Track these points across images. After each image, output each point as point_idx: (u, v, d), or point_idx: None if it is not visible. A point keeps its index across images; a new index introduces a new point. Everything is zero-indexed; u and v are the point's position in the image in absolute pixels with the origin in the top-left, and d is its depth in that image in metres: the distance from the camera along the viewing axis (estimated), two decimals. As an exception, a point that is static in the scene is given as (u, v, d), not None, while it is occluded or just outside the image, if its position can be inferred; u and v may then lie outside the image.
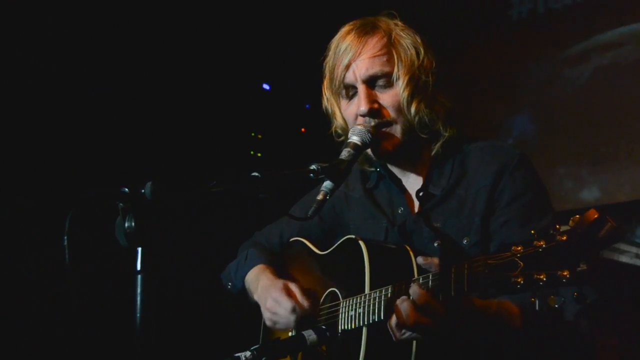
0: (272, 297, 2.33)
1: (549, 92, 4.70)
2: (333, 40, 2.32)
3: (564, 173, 4.52)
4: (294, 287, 2.32)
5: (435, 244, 2.20)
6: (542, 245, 1.57)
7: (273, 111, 5.05)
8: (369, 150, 2.28)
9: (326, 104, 2.40)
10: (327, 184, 2.03)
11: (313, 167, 1.99)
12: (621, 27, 4.36)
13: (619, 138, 4.36)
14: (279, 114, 5.07)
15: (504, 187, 2.19)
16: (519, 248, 1.61)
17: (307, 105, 5.20)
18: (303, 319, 2.27)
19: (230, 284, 2.65)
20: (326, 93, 2.38)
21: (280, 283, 2.36)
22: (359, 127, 2.19)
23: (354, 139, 2.16)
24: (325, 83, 2.38)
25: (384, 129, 2.24)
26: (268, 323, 2.39)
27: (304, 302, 2.27)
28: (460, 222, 2.21)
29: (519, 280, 1.59)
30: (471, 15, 4.97)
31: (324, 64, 2.35)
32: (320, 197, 2.02)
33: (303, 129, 5.26)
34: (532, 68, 4.74)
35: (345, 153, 2.13)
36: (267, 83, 5.15)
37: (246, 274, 2.55)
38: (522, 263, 1.59)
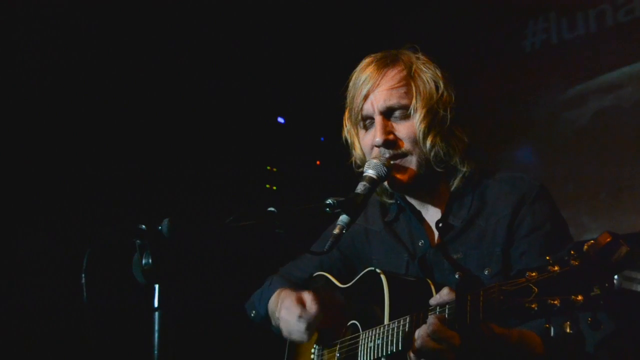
0: (285, 306, 2.35)
1: (553, 128, 4.70)
2: (354, 71, 2.38)
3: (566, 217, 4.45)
4: (306, 296, 2.32)
5: (456, 276, 2.22)
6: (556, 270, 1.58)
7: (288, 144, 5.10)
8: (385, 183, 2.31)
9: (346, 134, 2.45)
10: (344, 218, 2.06)
11: (329, 201, 2.02)
12: (624, 66, 4.37)
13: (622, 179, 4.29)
14: (294, 147, 5.12)
15: (523, 218, 2.21)
16: (534, 274, 1.62)
17: (322, 138, 5.25)
18: (311, 327, 2.27)
19: (254, 312, 2.66)
20: (346, 124, 2.43)
21: (295, 293, 2.36)
22: (375, 160, 2.23)
23: (370, 172, 2.20)
24: (346, 114, 2.43)
25: (399, 161, 2.27)
26: (284, 333, 2.39)
27: (312, 308, 2.26)
28: (481, 253, 2.23)
29: (534, 306, 1.60)
30: (486, 47, 5.01)
31: (346, 94, 2.40)
32: (336, 231, 2.05)
33: (318, 162, 5.29)
34: (540, 101, 4.76)
35: (361, 187, 2.16)
36: (281, 116, 5.21)
37: (270, 297, 2.57)
38: (536, 289, 1.61)
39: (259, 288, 2.69)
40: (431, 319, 1.87)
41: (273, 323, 2.54)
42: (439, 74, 2.30)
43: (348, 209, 2.05)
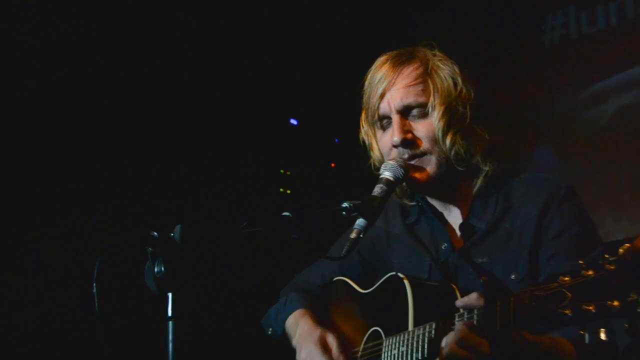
0: (307, 350, 2.31)
1: (573, 127, 4.62)
2: (369, 70, 2.34)
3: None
4: (331, 340, 2.30)
5: (481, 280, 2.17)
6: (590, 275, 1.53)
7: (301, 146, 5.08)
8: (404, 184, 2.27)
9: (363, 135, 2.41)
10: (360, 221, 2.02)
11: (345, 205, 1.98)
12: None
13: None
14: (307, 150, 5.09)
15: (551, 220, 2.17)
16: (567, 278, 1.57)
17: (336, 140, 5.22)
18: None
19: (270, 329, 2.62)
20: (363, 125, 2.40)
21: (317, 333, 2.33)
22: (391, 162, 2.19)
23: (386, 174, 2.17)
24: (363, 115, 2.39)
25: (417, 160, 2.23)
26: None
27: (340, 358, 2.25)
28: (507, 257, 2.18)
29: (567, 312, 1.55)
30: (503, 43, 4.95)
31: (362, 95, 2.37)
32: (353, 235, 2.01)
33: (333, 164, 5.27)
34: (559, 99, 4.69)
35: (377, 189, 2.12)
36: (294, 118, 5.19)
37: (286, 318, 2.53)
38: (570, 294, 1.56)
39: (275, 303, 2.65)
40: (459, 325, 1.82)
41: (291, 343, 2.50)
42: (457, 70, 2.26)
43: (365, 212, 2.01)
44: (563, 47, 4.72)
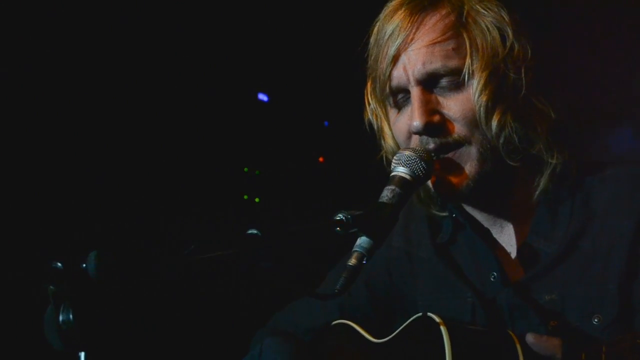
0: None
1: None
2: (376, 20, 2.33)
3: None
4: None
5: (550, 327, 2.18)
6: None
7: (275, 133, 5.07)
8: (430, 186, 2.27)
9: (370, 116, 2.42)
10: (363, 241, 2.02)
11: (340, 217, 1.97)
12: None
13: None
14: (283, 137, 5.09)
15: None
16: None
17: (325, 122, 5.23)
18: None
19: None
20: (369, 100, 2.40)
21: None
22: (407, 152, 2.18)
23: (400, 170, 2.16)
24: (368, 86, 2.39)
25: (450, 154, 2.23)
26: None
27: None
28: (587, 292, 2.19)
29: None
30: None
31: (366, 56, 2.36)
32: (352, 262, 2.00)
33: (321, 158, 5.28)
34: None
35: (387, 193, 2.12)
36: (263, 92, 5.18)
37: None
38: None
39: (243, 357, 2.62)
40: None
41: None
42: (506, 18, 2.24)
43: (368, 227, 2.01)
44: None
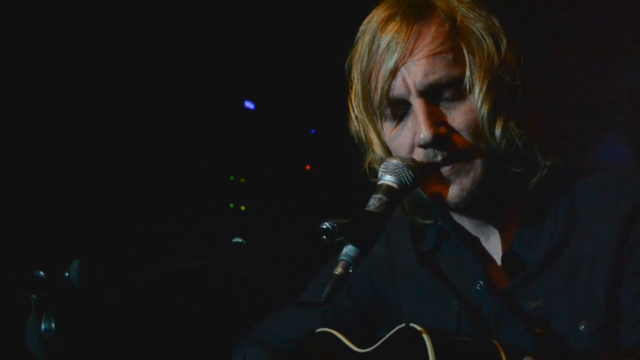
0: None
1: None
2: (364, 30, 2.29)
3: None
4: None
5: (535, 334, 2.18)
6: None
7: (262, 141, 5.07)
8: (424, 196, 2.26)
9: (356, 127, 2.39)
10: (350, 250, 2.00)
11: (326, 225, 1.94)
12: None
13: None
14: (270, 145, 5.09)
15: (637, 242, 2.17)
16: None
17: (312, 130, 5.22)
18: None
19: None
20: (356, 112, 2.37)
21: None
22: (394, 161, 2.17)
23: (387, 179, 2.14)
24: (353, 97, 2.36)
25: (456, 166, 2.21)
26: None
27: None
28: (574, 299, 2.19)
29: None
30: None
31: (349, 66, 2.35)
32: (338, 270, 1.99)
33: (308, 166, 5.28)
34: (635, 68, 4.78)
35: (374, 202, 2.10)
36: (250, 100, 5.18)
37: None
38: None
39: None
40: None
41: None
42: (496, 23, 2.24)
43: (355, 236, 2.00)
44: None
